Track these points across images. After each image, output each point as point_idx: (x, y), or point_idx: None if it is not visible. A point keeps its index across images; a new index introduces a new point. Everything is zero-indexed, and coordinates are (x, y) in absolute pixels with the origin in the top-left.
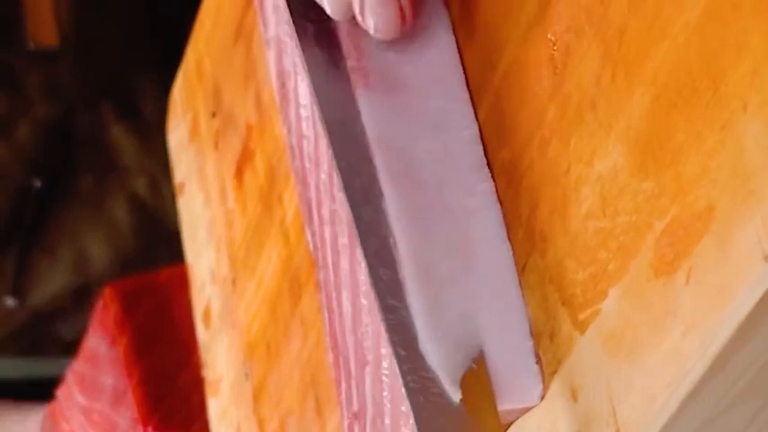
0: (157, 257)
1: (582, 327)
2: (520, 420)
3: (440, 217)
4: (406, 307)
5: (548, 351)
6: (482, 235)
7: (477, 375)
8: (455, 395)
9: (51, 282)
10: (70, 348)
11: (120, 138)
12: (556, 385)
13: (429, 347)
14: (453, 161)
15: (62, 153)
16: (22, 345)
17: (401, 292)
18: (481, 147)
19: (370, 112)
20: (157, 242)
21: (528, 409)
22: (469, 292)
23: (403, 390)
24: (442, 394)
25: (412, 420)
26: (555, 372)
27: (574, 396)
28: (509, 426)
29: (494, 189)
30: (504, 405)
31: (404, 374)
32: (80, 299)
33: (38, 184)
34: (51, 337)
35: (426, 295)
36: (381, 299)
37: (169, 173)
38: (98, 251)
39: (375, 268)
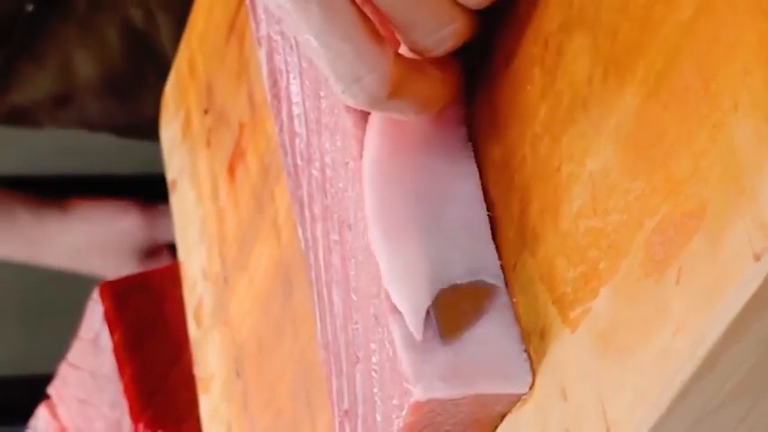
0: (144, 79)
1: (572, 325)
2: (510, 418)
3: (414, 169)
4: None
5: (538, 350)
6: (460, 199)
7: None
8: (417, 332)
9: (34, 85)
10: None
11: None
12: (546, 384)
13: (392, 286)
14: (436, 127)
15: None
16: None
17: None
18: (465, 127)
19: None
20: (146, 64)
21: (516, 398)
22: (441, 248)
23: None
24: None
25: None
26: (545, 370)
27: (563, 395)
28: (500, 419)
29: (475, 164)
30: (489, 389)
31: None
32: (61, 103)
33: (30, 8)
34: (31, 123)
35: (391, 239)
36: None
37: (166, 8)
38: (84, 66)
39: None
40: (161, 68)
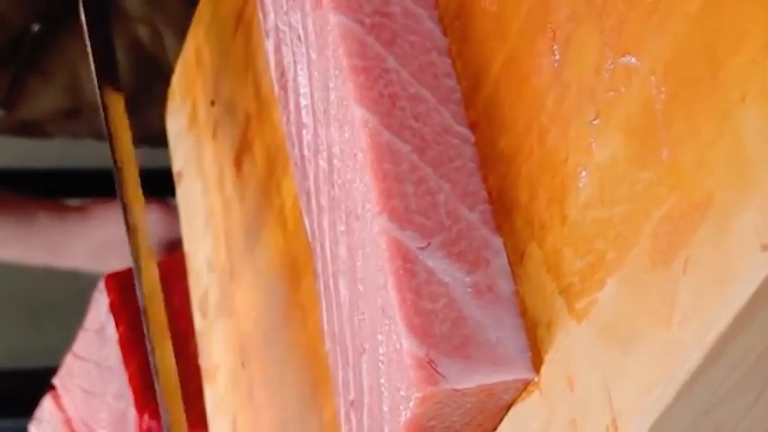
0: (152, 93)
1: (579, 316)
2: (516, 408)
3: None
4: None
5: (544, 340)
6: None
7: None
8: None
9: (42, 100)
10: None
11: None
12: (552, 374)
13: None
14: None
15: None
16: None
17: None
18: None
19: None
20: (153, 79)
21: (522, 387)
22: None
23: None
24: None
25: None
26: (551, 360)
27: (570, 385)
28: (506, 410)
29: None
30: (493, 378)
31: None
32: (69, 117)
33: (36, 28)
34: (41, 134)
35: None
36: None
37: (173, 26)
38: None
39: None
40: (168, 83)
